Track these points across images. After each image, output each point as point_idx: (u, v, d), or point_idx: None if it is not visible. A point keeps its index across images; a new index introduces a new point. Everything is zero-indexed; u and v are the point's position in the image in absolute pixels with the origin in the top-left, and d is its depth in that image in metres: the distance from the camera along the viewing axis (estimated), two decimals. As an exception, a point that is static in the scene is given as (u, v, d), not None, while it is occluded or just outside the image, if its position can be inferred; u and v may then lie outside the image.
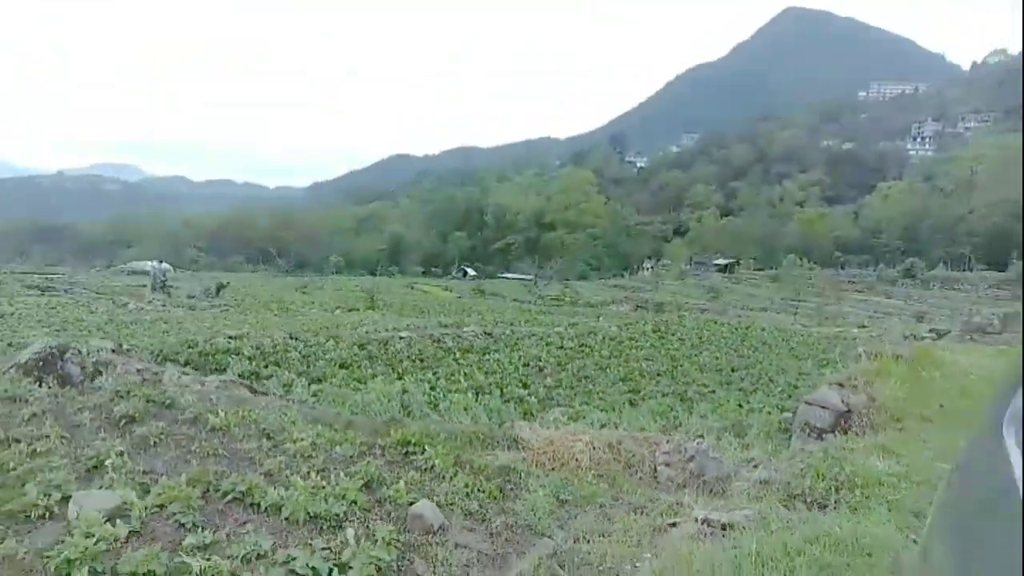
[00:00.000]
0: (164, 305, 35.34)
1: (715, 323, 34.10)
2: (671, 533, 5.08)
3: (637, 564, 4.48)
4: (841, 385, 8.92)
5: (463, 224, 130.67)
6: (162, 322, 24.24)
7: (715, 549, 4.19)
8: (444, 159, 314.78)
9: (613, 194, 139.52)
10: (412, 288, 72.13)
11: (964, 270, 72.21)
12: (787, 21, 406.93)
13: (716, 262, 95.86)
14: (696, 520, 4.90)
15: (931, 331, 32.92)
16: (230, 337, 15.18)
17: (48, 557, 5.02)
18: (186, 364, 12.69)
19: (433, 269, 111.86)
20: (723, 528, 4.64)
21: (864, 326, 41.62)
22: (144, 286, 43.90)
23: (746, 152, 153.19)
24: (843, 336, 31.07)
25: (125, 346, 12.96)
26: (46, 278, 46.93)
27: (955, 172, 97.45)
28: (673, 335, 27.60)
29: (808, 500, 5.21)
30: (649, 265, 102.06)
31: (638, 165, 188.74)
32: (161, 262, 64.89)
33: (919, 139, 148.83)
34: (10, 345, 16.94)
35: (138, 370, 11.47)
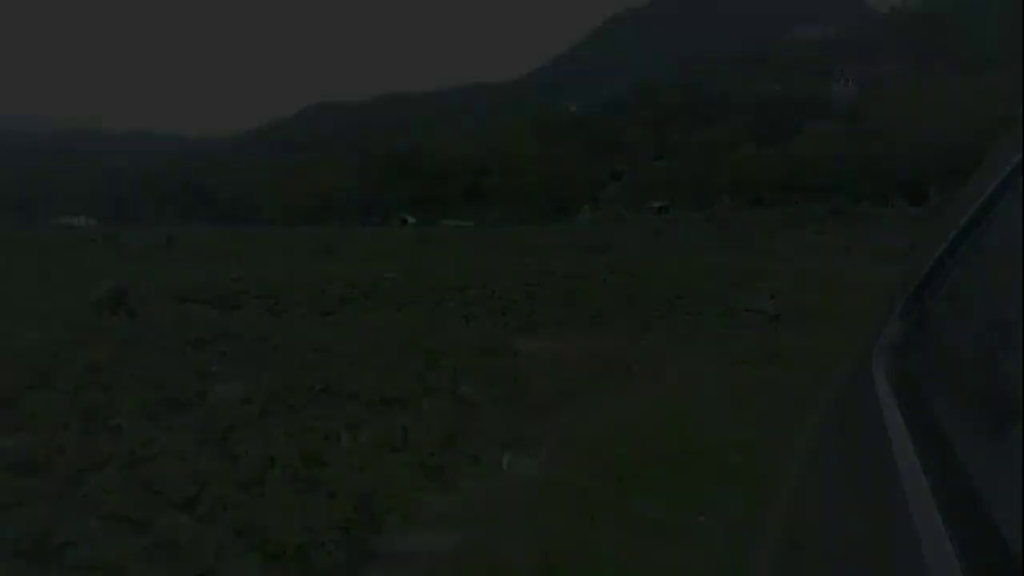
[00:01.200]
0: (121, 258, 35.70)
1: (659, 261, 36.45)
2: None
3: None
4: (772, 296, 11.21)
5: (400, 172, 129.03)
6: (136, 272, 24.89)
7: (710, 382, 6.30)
8: (375, 105, 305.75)
9: (548, 139, 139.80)
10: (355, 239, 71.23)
11: (887, 206, 76.03)
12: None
13: (653, 205, 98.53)
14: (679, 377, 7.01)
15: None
16: (233, 279, 16.60)
17: (210, 426, 6.79)
18: (205, 303, 14.09)
19: (371, 218, 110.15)
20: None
21: (793, 260, 44.44)
22: (92, 240, 43.81)
23: (677, 95, 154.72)
24: (774, 268, 33.98)
25: (144, 289, 14.28)
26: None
27: (877, 113, 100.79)
28: (624, 272, 29.83)
29: (752, 363, 7.41)
30: (587, 209, 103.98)
31: (572, 110, 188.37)
32: (86, 219, 63.65)
33: (843, 81, 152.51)
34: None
35: (169, 308, 12.90)
